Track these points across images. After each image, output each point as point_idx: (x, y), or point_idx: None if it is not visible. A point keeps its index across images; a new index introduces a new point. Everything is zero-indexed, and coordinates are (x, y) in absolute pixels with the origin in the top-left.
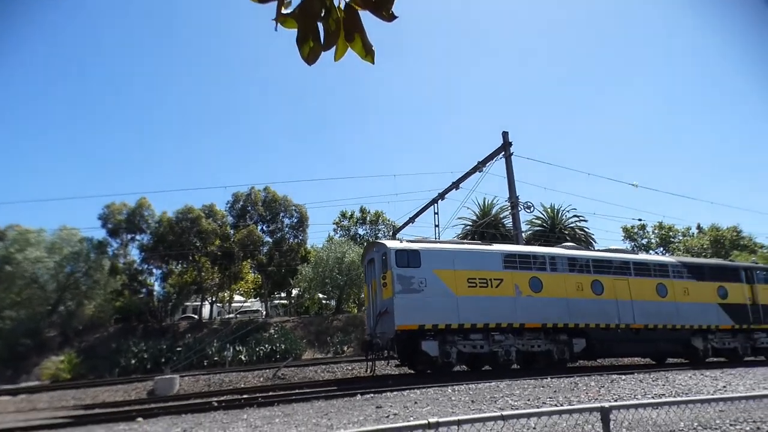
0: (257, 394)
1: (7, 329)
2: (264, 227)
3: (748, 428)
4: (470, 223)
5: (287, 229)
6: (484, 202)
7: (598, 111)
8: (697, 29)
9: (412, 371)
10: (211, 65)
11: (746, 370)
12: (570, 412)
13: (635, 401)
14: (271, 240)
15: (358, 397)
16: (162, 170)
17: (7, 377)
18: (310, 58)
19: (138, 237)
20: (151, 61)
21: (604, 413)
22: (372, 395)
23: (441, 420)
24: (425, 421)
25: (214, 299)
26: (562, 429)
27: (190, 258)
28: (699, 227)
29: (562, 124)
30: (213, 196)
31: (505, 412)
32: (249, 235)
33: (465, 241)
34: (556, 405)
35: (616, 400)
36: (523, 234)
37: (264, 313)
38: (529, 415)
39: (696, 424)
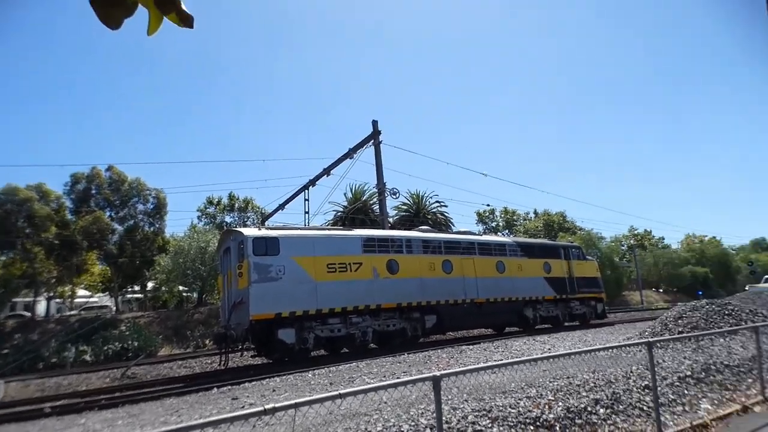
0: (100, 396)
1: None
2: (112, 213)
3: (563, 383)
4: (341, 209)
5: (141, 215)
6: (354, 188)
7: (457, 110)
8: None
9: (270, 360)
10: (48, 26)
11: (566, 334)
12: (405, 383)
13: (460, 368)
14: (121, 228)
15: (214, 390)
16: None
17: None
18: (111, 20)
19: None
20: None
21: (436, 381)
22: (229, 387)
23: (277, 405)
24: (261, 408)
25: (51, 294)
26: (412, 400)
27: (19, 246)
28: (536, 212)
29: (426, 120)
30: (42, 175)
31: (342, 391)
32: (95, 222)
33: (326, 227)
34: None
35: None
36: (390, 219)
37: (114, 308)
38: (364, 391)
39: (524, 384)
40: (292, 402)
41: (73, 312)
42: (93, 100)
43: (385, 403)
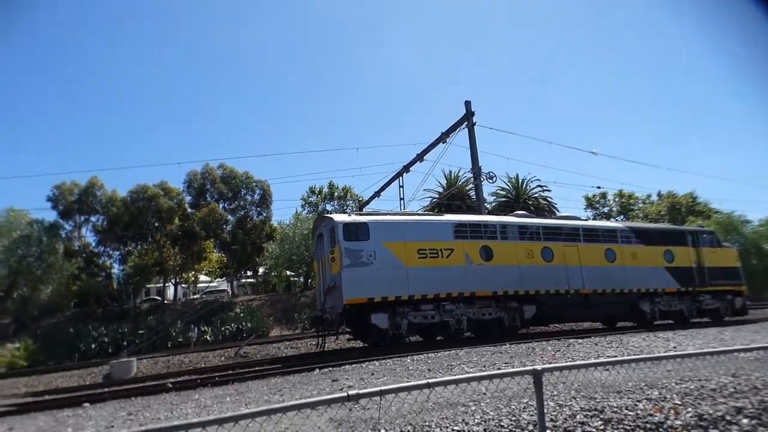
0: (214, 374)
1: None
2: (225, 205)
3: (693, 386)
4: (436, 195)
5: (250, 206)
6: (450, 173)
7: (556, 83)
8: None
9: (365, 345)
10: (159, 36)
11: (697, 331)
12: (501, 376)
13: (565, 363)
14: (233, 218)
15: (316, 371)
16: (109, 148)
17: None
18: None
19: (92, 218)
20: (98, 34)
21: (537, 376)
22: (330, 369)
23: (362, 392)
24: (344, 394)
25: (177, 280)
26: (512, 393)
27: (149, 238)
28: (659, 194)
29: (523, 96)
30: (165, 173)
31: (431, 380)
32: (211, 213)
33: (415, 212)
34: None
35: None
36: (488, 205)
37: (230, 292)
38: (456, 381)
39: (643, 384)
40: (377, 389)
41: (196, 296)
42: (203, 101)
43: (484, 394)
